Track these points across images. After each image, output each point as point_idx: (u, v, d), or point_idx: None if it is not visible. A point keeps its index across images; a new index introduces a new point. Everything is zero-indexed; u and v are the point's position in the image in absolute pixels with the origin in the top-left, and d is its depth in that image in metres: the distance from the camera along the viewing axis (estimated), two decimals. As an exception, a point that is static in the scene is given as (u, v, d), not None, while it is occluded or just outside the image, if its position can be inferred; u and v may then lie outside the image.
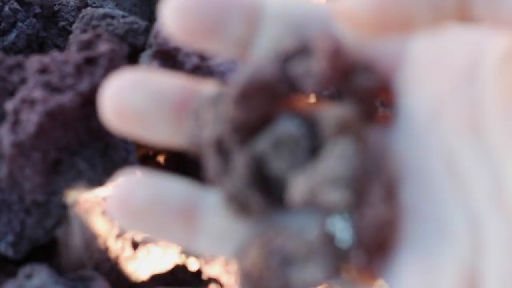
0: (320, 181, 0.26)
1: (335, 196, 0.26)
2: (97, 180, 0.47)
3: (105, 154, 0.48)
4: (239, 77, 0.28)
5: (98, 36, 0.50)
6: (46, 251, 0.49)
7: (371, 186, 0.27)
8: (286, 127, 0.28)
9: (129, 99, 0.30)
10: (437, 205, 0.27)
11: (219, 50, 0.30)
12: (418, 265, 0.27)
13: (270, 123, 0.28)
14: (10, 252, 0.46)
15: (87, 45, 0.49)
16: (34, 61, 0.47)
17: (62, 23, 0.69)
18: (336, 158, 0.27)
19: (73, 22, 0.68)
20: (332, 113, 0.28)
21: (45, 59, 0.47)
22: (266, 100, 0.28)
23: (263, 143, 0.28)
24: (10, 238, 0.46)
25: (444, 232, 0.26)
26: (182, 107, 0.30)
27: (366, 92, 0.28)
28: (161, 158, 0.54)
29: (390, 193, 0.27)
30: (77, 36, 0.52)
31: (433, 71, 0.28)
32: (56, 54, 0.48)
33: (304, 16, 0.30)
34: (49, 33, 0.69)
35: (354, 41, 0.29)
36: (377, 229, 0.26)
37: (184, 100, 0.30)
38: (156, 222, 0.30)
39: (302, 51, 0.28)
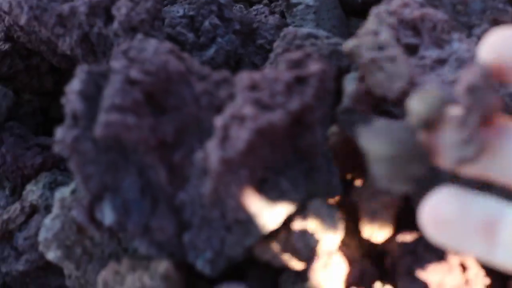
0: None
1: None
2: (299, 202, 0.49)
3: (309, 175, 0.50)
4: None
5: (308, 56, 0.52)
6: (239, 270, 0.51)
7: None
8: None
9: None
10: None
11: None
12: None
13: None
14: (207, 270, 0.48)
15: (296, 64, 0.51)
16: (244, 78, 0.49)
17: (260, 41, 0.72)
18: None
19: (271, 41, 0.71)
20: None
21: (256, 75, 0.49)
22: None
23: None
24: (208, 255, 0.48)
25: None
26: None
27: None
28: (358, 183, 0.55)
29: None
30: (284, 55, 0.54)
31: None
32: (266, 71, 0.50)
33: None
34: (246, 50, 0.72)
35: None
36: None
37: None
38: (459, 234, 0.36)
39: None
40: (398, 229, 0.51)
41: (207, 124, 0.50)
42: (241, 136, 0.46)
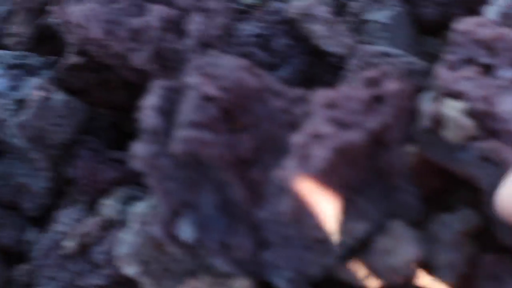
0: None
1: None
2: (379, 222, 0.49)
3: (388, 195, 0.50)
4: None
5: (385, 74, 0.52)
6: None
7: None
8: None
9: None
10: None
11: None
12: None
13: None
14: (285, 288, 0.49)
15: (374, 82, 0.52)
16: (321, 95, 0.50)
17: (332, 59, 0.72)
18: None
19: (344, 59, 0.71)
20: None
21: (333, 93, 0.50)
22: None
23: None
24: (288, 273, 0.49)
25: None
26: None
27: None
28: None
29: None
30: (360, 73, 0.54)
31: None
32: (343, 89, 0.50)
33: None
34: (317, 70, 0.72)
35: None
36: None
37: None
38: None
39: None
40: (479, 252, 0.51)
41: (283, 142, 0.51)
42: (320, 155, 0.46)
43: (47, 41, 0.84)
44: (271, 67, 0.70)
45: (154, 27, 0.62)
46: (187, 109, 0.50)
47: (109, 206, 0.66)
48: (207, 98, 0.51)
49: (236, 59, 0.54)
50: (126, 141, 0.73)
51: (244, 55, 0.69)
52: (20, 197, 0.74)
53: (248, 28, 0.71)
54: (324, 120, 0.48)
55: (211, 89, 0.50)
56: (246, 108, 0.52)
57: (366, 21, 0.74)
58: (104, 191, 0.69)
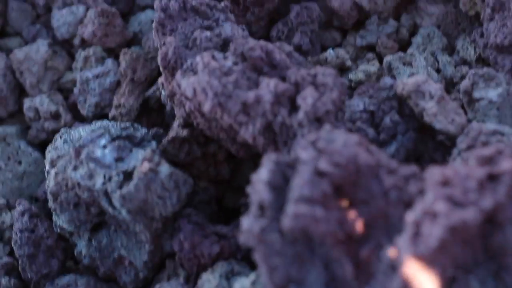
0: None
1: None
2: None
3: (498, 276, 0.52)
4: None
5: (500, 153, 0.55)
6: None
7: None
8: None
9: None
10: None
11: None
12: None
13: None
14: None
15: (488, 160, 0.55)
16: (435, 173, 0.54)
17: (440, 137, 0.76)
18: None
19: (452, 137, 0.74)
20: None
21: (447, 171, 0.53)
22: None
23: None
24: None
25: None
26: None
27: None
28: None
29: None
30: (474, 151, 0.58)
31: None
32: (458, 167, 0.54)
33: None
34: (426, 147, 0.76)
35: None
36: None
37: None
38: None
39: None
40: None
41: (395, 220, 0.54)
42: (433, 233, 0.49)
43: (152, 112, 0.91)
44: (380, 144, 0.73)
45: (267, 101, 0.66)
46: (299, 184, 0.54)
47: (209, 281, 0.70)
48: (320, 174, 0.55)
49: (350, 134, 0.58)
50: (226, 215, 0.78)
51: (352, 131, 0.73)
52: (119, 269, 0.79)
53: (357, 104, 0.75)
54: (438, 198, 0.51)
55: (324, 165, 0.55)
56: (359, 185, 0.55)
57: (476, 99, 0.78)
58: (205, 266, 0.73)
